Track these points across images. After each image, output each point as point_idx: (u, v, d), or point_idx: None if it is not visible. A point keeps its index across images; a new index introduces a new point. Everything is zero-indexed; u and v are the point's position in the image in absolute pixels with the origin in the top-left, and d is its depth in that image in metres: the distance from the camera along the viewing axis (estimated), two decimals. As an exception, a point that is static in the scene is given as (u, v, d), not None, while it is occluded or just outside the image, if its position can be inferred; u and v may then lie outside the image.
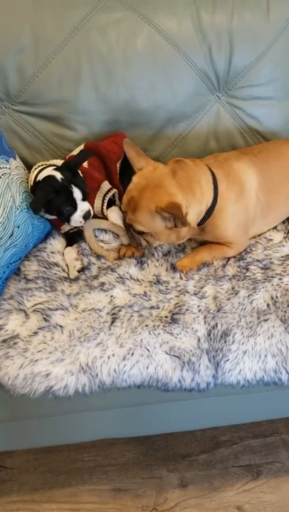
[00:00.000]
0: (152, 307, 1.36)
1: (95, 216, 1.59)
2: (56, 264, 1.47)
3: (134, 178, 1.40)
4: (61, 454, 1.77)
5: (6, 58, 1.61)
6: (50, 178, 1.41)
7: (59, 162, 1.53)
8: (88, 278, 1.43)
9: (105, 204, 1.59)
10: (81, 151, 1.56)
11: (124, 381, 1.27)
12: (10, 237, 1.32)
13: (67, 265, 1.48)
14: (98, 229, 1.59)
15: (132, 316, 1.32)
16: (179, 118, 1.77)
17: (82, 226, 1.51)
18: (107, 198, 1.58)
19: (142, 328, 1.30)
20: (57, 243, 1.53)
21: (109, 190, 1.59)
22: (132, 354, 1.26)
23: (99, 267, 1.47)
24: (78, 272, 1.45)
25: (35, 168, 1.52)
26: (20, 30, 1.61)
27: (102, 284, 1.40)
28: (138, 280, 1.42)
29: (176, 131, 1.79)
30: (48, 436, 1.53)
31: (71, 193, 1.39)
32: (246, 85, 1.78)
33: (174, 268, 1.45)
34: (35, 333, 1.27)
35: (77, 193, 1.40)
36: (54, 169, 1.44)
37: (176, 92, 1.73)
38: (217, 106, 1.80)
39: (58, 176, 1.41)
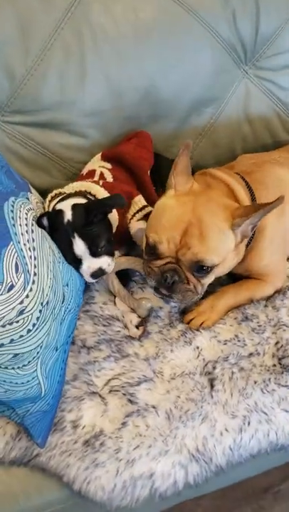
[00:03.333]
0: (251, 354, 1.09)
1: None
2: (115, 318, 1.15)
3: (173, 202, 1.06)
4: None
5: (-15, 57, 1.22)
6: (59, 212, 1.08)
7: (88, 186, 1.17)
8: (163, 328, 1.13)
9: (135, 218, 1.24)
10: (115, 194, 1.16)
11: (241, 455, 1.01)
12: (62, 302, 0.99)
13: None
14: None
15: (232, 372, 1.05)
16: (205, 102, 1.47)
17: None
18: (138, 216, 1.25)
19: (252, 387, 1.03)
20: (103, 289, 1.21)
21: (144, 208, 1.24)
22: (249, 423, 1.01)
23: (169, 312, 1.16)
24: (137, 327, 1.13)
25: (52, 198, 1.18)
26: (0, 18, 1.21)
27: (184, 333, 1.10)
28: (222, 318, 1.14)
29: (203, 119, 1.49)
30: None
31: (71, 244, 1.06)
32: (275, 53, 1.50)
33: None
34: (124, 423, 0.98)
35: (80, 247, 1.06)
36: (73, 205, 1.09)
37: (198, 70, 1.41)
38: (245, 82, 1.51)
39: (67, 215, 1.07)
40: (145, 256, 1.09)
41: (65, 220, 1.06)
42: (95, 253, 1.07)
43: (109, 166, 1.30)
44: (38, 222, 1.04)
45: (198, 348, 1.09)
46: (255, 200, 1.15)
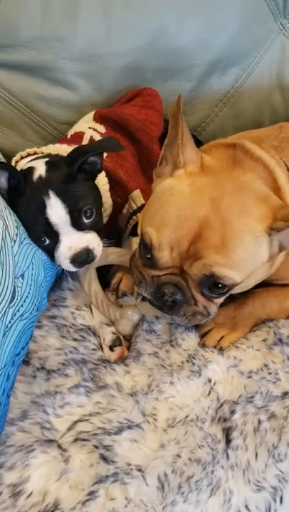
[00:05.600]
0: (286, 394, 0.76)
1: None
2: (92, 331, 0.82)
3: (183, 185, 0.72)
4: None
5: None
6: (27, 169, 0.78)
7: (66, 151, 0.87)
8: (159, 349, 0.80)
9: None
10: (108, 137, 0.90)
11: None
12: (11, 301, 0.65)
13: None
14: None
15: (258, 420, 0.72)
16: (230, 60, 1.17)
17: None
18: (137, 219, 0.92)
19: (287, 445, 0.68)
20: (79, 287, 0.87)
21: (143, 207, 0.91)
22: (281, 499, 0.68)
23: (170, 324, 0.82)
24: (112, 348, 0.81)
25: (22, 158, 0.87)
26: None
27: (190, 357, 0.77)
28: (246, 340, 0.81)
29: (226, 82, 1.20)
30: None
31: (43, 207, 0.73)
32: None
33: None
34: (92, 493, 0.64)
35: (57, 212, 0.74)
36: (48, 160, 0.80)
37: (225, 16, 1.12)
38: (281, 39, 1.21)
39: (39, 170, 0.77)
40: (137, 257, 0.76)
41: (36, 177, 0.76)
42: (78, 224, 0.76)
43: (102, 129, 1.01)
44: None
45: (210, 381, 0.76)
46: None
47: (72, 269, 0.78)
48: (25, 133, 1.08)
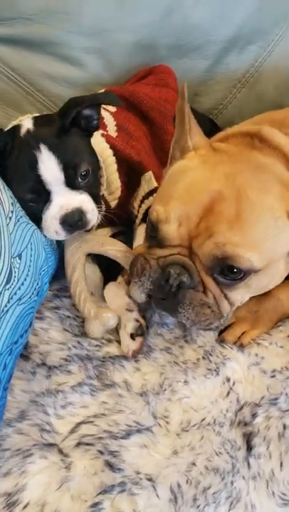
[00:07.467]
0: (315, 396, 0.67)
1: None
2: (98, 323, 0.75)
3: (195, 162, 0.69)
4: None
5: None
6: (13, 128, 0.74)
7: None
8: (172, 344, 0.73)
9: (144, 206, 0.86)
10: (106, 91, 0.88)
11: None
12: (6, 284, 0.58)
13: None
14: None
15: (283, 424, 0.65)
16: (249, 37, 1.12)
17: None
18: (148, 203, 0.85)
19: (317, 453, 0.61)
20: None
21: (156, 190, 0.84)
22: (311, 514, 0.59)
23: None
24: (133, 337, 0.73)
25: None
26: None
27: (206, 354, 0.70)
28: (269, 335, 0.74)
29: (245, 61, 1.13)
30: None
31: (34, 162, 0.68)
32: None
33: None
34: (96, 504, 0.57)
35: (49, 168, 0.68)
36: (35, 116, 0.77)
37: None
38: (305, 14, 1.13)
39: (26, 125, 0.72)
40: (145, 243, 0.70)
41: (23, 132, 0.70)
42: (73, 182, 0.70)
43: (112, 107, 0.92)
44: None
45: (228, 380, 0.69)
46: None
47: (61, 233, 0.71)
48: (28, 112, 1.01)
